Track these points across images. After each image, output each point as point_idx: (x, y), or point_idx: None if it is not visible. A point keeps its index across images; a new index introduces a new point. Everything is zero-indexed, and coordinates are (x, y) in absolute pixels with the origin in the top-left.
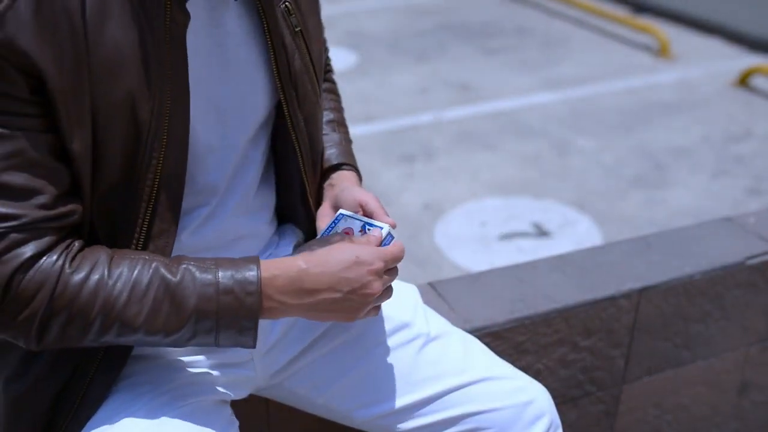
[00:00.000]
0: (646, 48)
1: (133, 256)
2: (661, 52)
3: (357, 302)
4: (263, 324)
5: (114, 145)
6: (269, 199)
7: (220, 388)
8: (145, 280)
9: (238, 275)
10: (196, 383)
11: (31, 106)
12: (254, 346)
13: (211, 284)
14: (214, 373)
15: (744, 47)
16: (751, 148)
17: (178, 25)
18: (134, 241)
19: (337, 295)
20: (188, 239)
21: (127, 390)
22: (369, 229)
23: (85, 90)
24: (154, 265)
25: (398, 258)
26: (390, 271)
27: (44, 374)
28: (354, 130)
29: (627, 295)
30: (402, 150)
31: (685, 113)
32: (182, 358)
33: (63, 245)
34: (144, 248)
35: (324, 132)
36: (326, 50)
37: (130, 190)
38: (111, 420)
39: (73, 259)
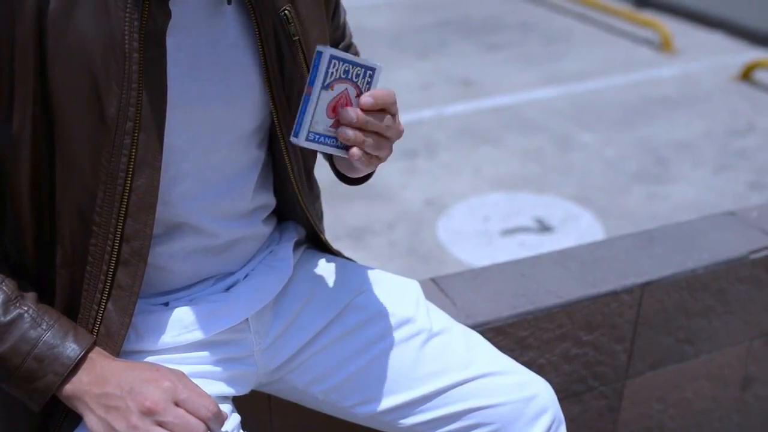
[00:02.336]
0: (649, 42)
1: None
2: (664, 46)
3: (129, 405)
4: (264, 320)
5: (82, 142)
6: (266, 201)
7: (220, 383)
8: None
9: (59, 350)
10: (198, 377)
11: None
12: (37, 411)
13: (29, 342)
14: (215, 368)
15: (746, 41)
16: (753, 142)
17: (157, 24)
18: (109, 242)
19: (117, 391)
20: (183, 243)
21: None
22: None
23: (28, 75)
24: None
25: (202, 404)
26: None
27: None
28: None
29: (629, 290)
30: (404, 145)
31: (687, 108)
32: (183, 354)
33: None
34: (119, 249)
35: None
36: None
37: (102, 189)
38: None
39: None
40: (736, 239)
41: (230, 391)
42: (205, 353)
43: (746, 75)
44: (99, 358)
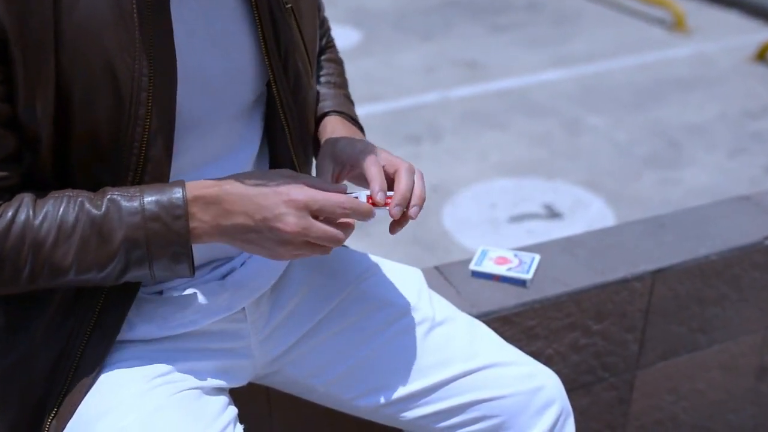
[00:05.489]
0: (661, 22)
1: (57, 194)
2: (676, 26)
3: (269, 236)
4: (261, 310)
5: (97, 113)
6: None
7: (216, 375)
8: (71, 217)
9: (164, 199)
10: (192, 370)
11: None
12: (192, 275)
13: (137, 212)
14: (210, 359)
15: (763, 20)
16: None
17: None
18: None
19: (250, 222)
20: None
21: (120, 375)
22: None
23: (49, 53)
24: (79, 200)
25: (337, 204)
26: (327, 221)
27: (32, 349)
28: (358, 111)
29: (640, 278)
30: (408, 130)
31: (700, 89)
32: (177, 344)
33: None
34: None
35: (321, 92)
36: (328, 29)
37: (117, 159)
38: (102, 406)
39: None
40: (750, 224)
41: (226, 383)
42: (200, 344)
43: (762, 55)
44: (204, 192)
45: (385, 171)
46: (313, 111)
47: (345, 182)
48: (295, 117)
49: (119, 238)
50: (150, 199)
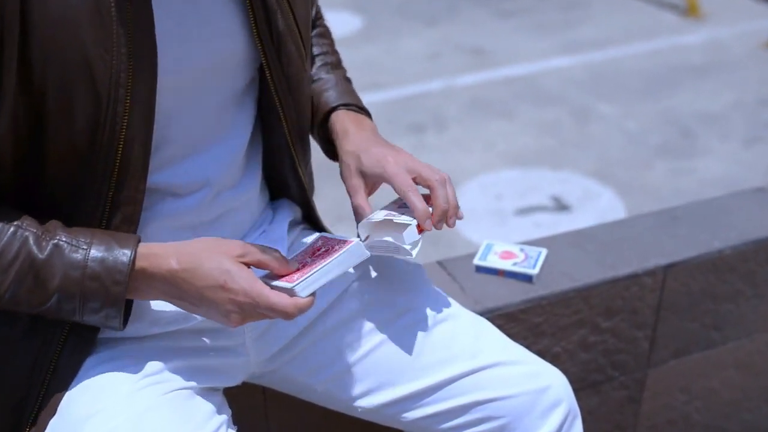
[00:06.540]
0: (673, 7)
1: (6, 221)
2: (689, 11)
3: (218, 318)
4: None
5: (74, 112)
6: (256, 170)
7: (209, 374)
8: (12, 250)
9: (109, 260)
10: (184, 369)
11: None
12: (122, 329)
13: (78, 267)
14: (203, 357)
15: None
16: None
17: None
18: (100, 209)
19: (196, 308)
20: (169, 218)
21: (109, 375)
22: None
23: (12, 49)
24: (24, 236)
25: (279, 309)
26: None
27: (11, 349)
28: None
29: (652, 273)
30: (411, 119)
31: (714, 76)
32: (168, 342)
33: None
34: (111, 216)
35: (317, 77)
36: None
37: (95, 156)
38: (90, 406)
39: None
40: (766, 217)
41: (220, 382)
42: (193, 342)
43: None
44: (150, 268)
45: (415, 182)
46: (309, 95)
47: (390, 201)
48: (291, 102)
49: (54, 287)
50: (95, 255)
